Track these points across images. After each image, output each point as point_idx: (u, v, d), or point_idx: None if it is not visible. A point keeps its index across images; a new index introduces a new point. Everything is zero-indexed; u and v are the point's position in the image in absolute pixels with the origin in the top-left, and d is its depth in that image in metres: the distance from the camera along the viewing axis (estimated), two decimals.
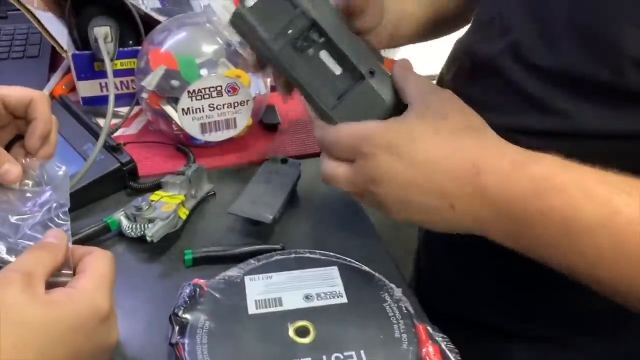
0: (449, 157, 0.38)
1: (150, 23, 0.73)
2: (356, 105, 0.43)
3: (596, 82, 0.40)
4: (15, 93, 0.46)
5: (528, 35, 0.44)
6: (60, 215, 0.44)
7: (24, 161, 0.46)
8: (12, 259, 0.39)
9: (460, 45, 0.54)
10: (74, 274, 0.40)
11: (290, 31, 0.42)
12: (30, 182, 0.46)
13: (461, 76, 0.52)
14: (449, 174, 0.37)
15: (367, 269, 0.49)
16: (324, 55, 0.43)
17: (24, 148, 0.47)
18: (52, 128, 0.47)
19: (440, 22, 0.61)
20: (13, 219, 0.43)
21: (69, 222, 0.44)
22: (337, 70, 0.43)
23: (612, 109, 0.41)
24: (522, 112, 0.45)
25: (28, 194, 0.45)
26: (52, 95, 0.72)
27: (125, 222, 0.52)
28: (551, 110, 0.43)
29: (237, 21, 0.42)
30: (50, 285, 0.37)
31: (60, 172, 0.47)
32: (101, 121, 0.67)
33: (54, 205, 0.45)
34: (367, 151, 0.39)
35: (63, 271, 0.40)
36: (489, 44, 0.48)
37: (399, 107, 0.42)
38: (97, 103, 0.71)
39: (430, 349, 0.42)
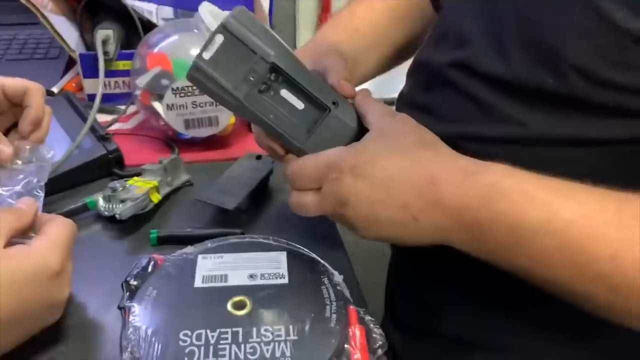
0: (407, 172, 0.41)
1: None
2: (326, 136, 0.46)
3: (544, 90, 0.42)
4: (13, 83, 0.52)
5: (480, 46, 0.46)
6: (37, 188, 0.50)
7: (17, 144, 0.52)
8: None
9: (417, 58, 0.57)
10: None
11: (251, 77, 0.43)
12: (20, 162, 0.52)
13: (418, 88, 0.55)
14: (408, 187, 0.40)
15: (314, 256, 0.52)
16: (285, 93, 0.45)
17: (18, 132, 0.53)
18: (45, 116, 0.53)
19: (410, 49, 0.63)
20: None
21: (43, 195, 0.49)
22: (300, 105, 0.45)
23: (560, 116, 0.43)
24: (475, 121, 0.47)
25: (15, 172, 0.51)
26: (61, 91, 0.79)
27: (101, 202, 0.57)
28: (503, 118, 0.46)
29: (197, 74, 0.42)
30: (14, 245, 0.42)
31: (49, 155, 0.53)
32: (100, 116, 0.73)
33: (34, 180, 0.50)
34: (332, 176, 0.42)
35: (30, 234, 0.45)
36: (442, 55, 0.50)
37: (362, 131, 0.46)
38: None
39: (357, 330, 0.44)
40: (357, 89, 0.51)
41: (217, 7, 0.68)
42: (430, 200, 0.40)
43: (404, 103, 0.56)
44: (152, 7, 0.95)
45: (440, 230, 0.41)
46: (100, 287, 0.50)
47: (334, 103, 0.45)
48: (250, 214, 0.60)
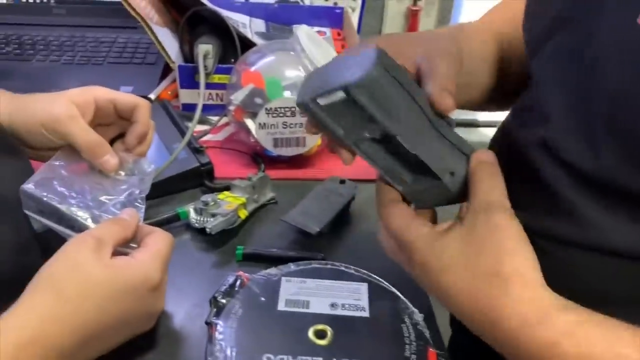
0: (469, 300, 0.38)
1: (252, 46, 0.82)
2: (426, 189, 0.42)
3: (631, 193, 0.37)
4: (125, 98, 0.55)
5: (564, 128, 0.41)
6: (139, 200, 0.53)
7: (122, 155, 0.55)
8: (93, 226, 0.48)
9: (501, 128, 0.53)
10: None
11: (366, 133, 0.39)
12: (122, 173, 0.55)
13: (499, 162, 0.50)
14: (467, 315, 0.39)
15: (394, 290, 0.52)
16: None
17: (124, 145, 0.56)
18: (149, 131, 0.57)
19: (502, 94, 0.57)
20: (101, 197, 0.51)
21: (144, 207, 0.52)
22: (412, 160, 0.40)
23: None
24: (548, 215, 0.43)
25: (118, 182, 0.54)
26: (158, 98, 0.83)
27: (192, 214, 0.59)
28: (580, 217, 0.41)
29: (306, 110, 0.39)
30: (117, 254, 0.45)
31: (149, 169, 0.56)
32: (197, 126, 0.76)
33: (136, 191, 0.53)
34: (404, 256, 0.42)
35: (131, 244, 0.48)
36: (526, 132, 0.46)
37: (465, 195, 0.41)
38: (194, 110, 0.80)
39: None
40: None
41: (312, 29, 0.69)
42: (487, 337, 0.38)
43: None
44: (245, 19, 0.99)
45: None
46: (188, 298, 0.53)
47: (451, 174, 0.40)
48: (330, 239, 0.61)
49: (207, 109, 0.79)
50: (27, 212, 0.48)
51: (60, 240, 0.56)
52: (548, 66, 0.44)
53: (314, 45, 0.67)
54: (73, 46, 0.98)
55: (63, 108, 0.53)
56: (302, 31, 0.68)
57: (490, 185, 0.39)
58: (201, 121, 0.79)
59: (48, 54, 0.95)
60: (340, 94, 0.36)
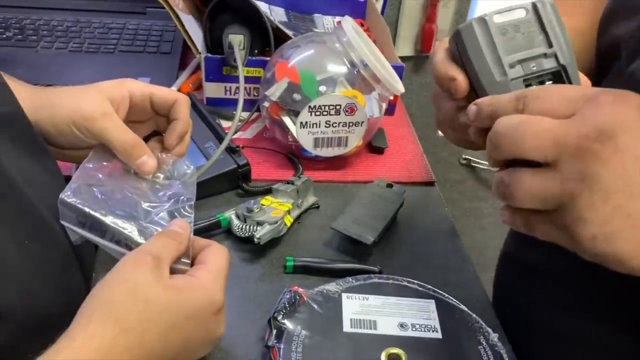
0: None
1: (276, 35, 0.77)
2: None
3: None
4: (163, 93, 0.50)
5: None
6: (187, 207, 0.48)
7: (159, 155, 0.50)
8: (141, 240, 0.43)
9: None
10: (191, 264, 0.43)
11: (533, 65, 0.37)
12: (161, 176, 0.50)
13: None
14: None
15: (464, 307, 0.49)
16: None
17: (161, 144, 0.51)
18: (188, 130, 0.51)
19: None
20: (144, 205, 0.46)
21: (192, 215, 0.47)
22: None
23: None
24: None
25: (158, 186, 0.49)
26: (180, 91, 0.77)
27: (235, 221, 0.55)
28: None
29: (476, 29, 0.37)
30: (171, 271, 0.40)
31: (189, 171, 0.51)
32: (223, 122, 0.71)
33: (182, 198, 0.48)
34: (605, 98, 0.30)
35: (182, 259, 0.43)
36: None
37: None
38: (220, 104, 0.75)
39: None
40: None
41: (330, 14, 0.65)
42: None
43: None
44: (264, 7, 0.93)
45: None
46: (238, 316, 0.48)
47: None
48: (379, 247, 0.57)
49: (234, 103, 0.73)
50: (64, 223, 0.43)
51: (92, 251, 0.51)
52: None
53: (361, 39, 0.62)
54: (79, 32, 0.91)
55: (96, 104, 0.47)
56: (348, 23, 0.63)
57: None
58: (227, 117, 0.74)
59: (53, 40, 0.89)
60: (520, 12, 0.37)
